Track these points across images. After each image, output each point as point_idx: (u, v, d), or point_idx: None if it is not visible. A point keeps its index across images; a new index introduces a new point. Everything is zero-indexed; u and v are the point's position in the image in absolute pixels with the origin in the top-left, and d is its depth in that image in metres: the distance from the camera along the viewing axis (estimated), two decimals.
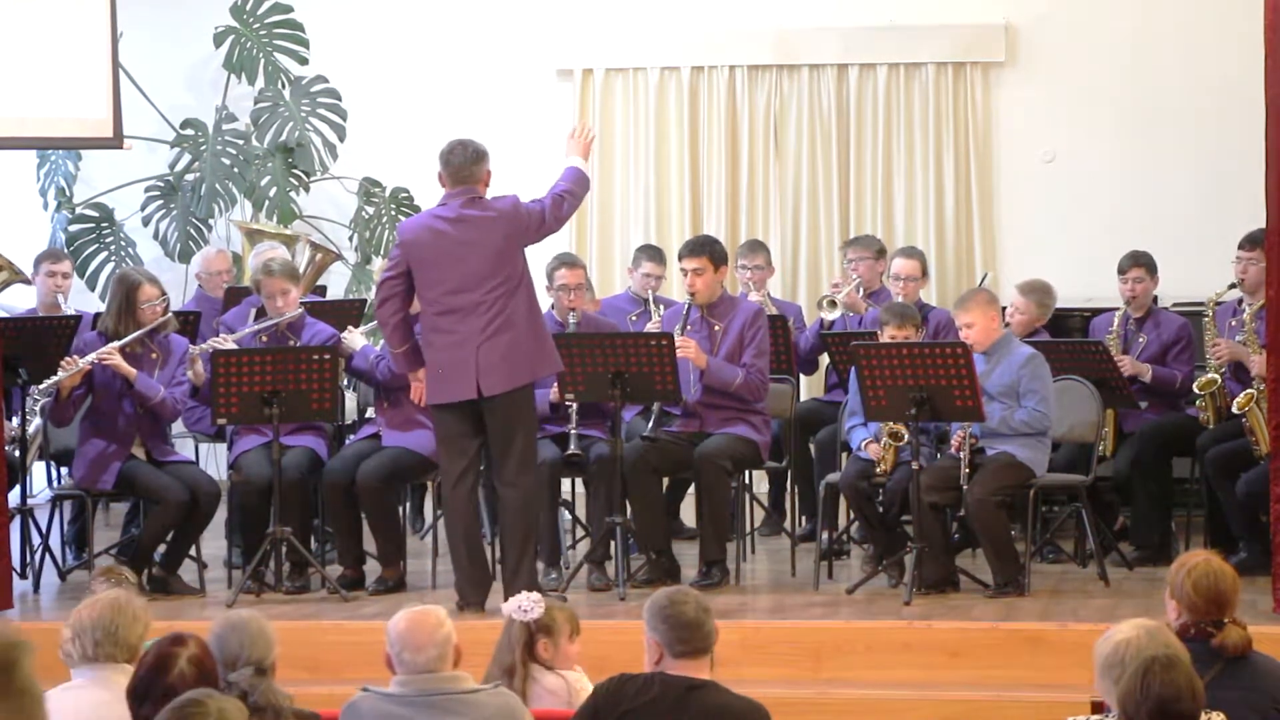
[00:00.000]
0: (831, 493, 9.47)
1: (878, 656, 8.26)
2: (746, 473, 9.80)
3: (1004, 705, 7.81)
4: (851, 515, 9.73)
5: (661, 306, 10.12)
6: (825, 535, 9.64)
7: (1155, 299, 10.32)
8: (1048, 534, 10.04)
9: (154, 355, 9.31)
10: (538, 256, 9.25)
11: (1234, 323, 9.74)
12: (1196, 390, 9.67)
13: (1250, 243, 9.61)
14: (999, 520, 8.98)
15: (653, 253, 10.67)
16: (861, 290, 10.57)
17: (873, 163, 12.55)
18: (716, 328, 9.37)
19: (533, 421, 8.81)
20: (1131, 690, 5.18)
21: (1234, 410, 9.29)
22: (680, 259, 9.59)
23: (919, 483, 8.86)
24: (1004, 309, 9.52)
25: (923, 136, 12.67)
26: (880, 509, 9.23)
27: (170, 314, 9.46)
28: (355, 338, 9.55)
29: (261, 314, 9.66)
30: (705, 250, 9.47)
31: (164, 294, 9.42)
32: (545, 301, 9.44)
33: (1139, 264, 10.09)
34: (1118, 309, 10.13)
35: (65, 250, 11.64)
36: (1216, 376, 9.58)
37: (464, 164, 8.66)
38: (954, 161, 12.64)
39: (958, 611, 8.65)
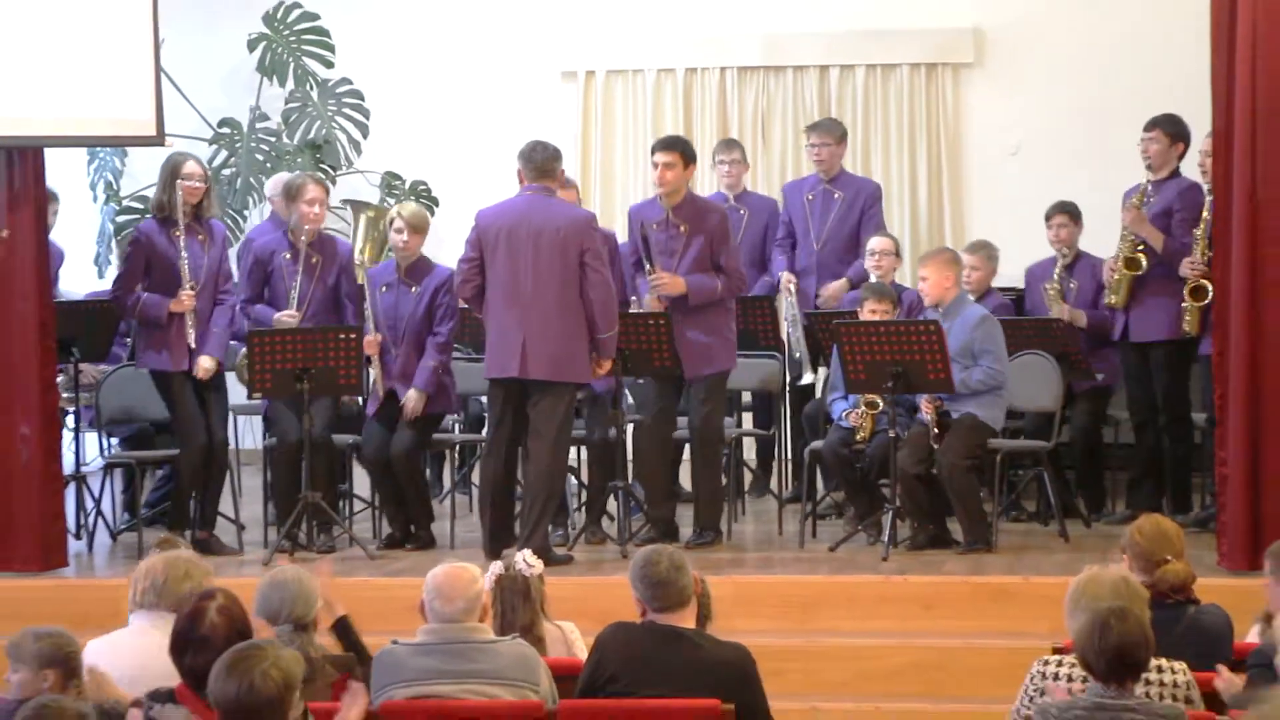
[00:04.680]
0: (815, 459, 9.52)
1: (858, 608, 8.30)
2: (738, 446, 9.85)
3: (973, 652, 7.85)
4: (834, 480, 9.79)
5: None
6: (813, 501, 9.67)
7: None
8: (1013, 495, 10.08)
9: (200, 237, 9.26)
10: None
11: (1135, 199, 9.63)
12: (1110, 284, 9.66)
13: (1152, 124, 9.67)
14: (970, 484, 9.03)
15: None
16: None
17: (852, 157, 12.49)
18: (682, 229, 9.21)
19: (568, 416, 8.83)
20: (1089, 640, 5.22)
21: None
22: (653, 153, 9.40)
23: (895, 448, 8.92)
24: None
25: (898, 132, 12.66)
26: (861, 473, 9.28)
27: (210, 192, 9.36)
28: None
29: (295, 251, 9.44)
30: (678, 146, 9.37)
31: (206, 173, 9.36)
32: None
33: (1063, 211, 10.12)
34: (1050, 258, 10.14)
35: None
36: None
37: (545, 160, 8.81)
38: (927, 155, 12.64)
39: (931, 566, 8.69)
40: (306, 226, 9.34)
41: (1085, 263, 10.03)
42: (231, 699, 4.63)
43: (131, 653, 5.72)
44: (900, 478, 8.94)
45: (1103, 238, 10.04)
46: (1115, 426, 10.13)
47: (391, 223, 9.36)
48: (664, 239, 9.20)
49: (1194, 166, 9.65)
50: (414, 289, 9.29)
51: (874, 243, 10.26)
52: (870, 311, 9.25)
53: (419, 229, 9.32)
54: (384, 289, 9.34)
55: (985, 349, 9.03)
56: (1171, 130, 9.65)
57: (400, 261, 9.35)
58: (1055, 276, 10.00)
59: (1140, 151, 9.71)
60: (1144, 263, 9.54)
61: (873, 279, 9.96)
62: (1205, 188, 9.32)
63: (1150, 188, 9.61)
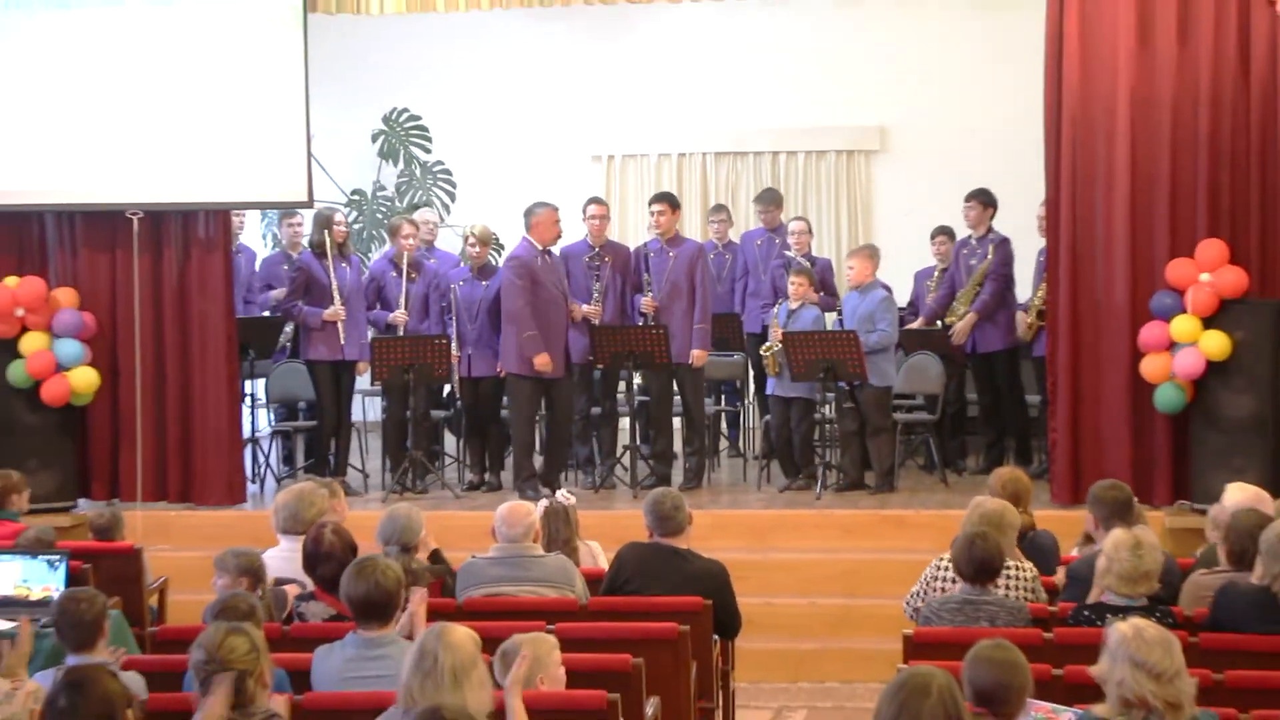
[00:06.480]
0: (769, 427, 9.53)
1: (799, 533, 8.33)
2: (716, 419, 9.85)
3: (880, 563, 7.90)
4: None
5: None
6: (769, 458, 9.67)
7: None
8: (909, 452, 10.10)
9: (344, 265, 9.36)
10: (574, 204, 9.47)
11: (966, 251, 9.77)
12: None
13: (970, 196, 9.72)
14: (890, 445, 9.03)
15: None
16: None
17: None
18: (671, 254, 9.36)
19: (518, 404, 8.95)
20: (961, 553, 5.28)
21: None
22: (650, 204, 9.62)
23: (824, 421, 8.93)
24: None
25: (828, 200, 12.66)
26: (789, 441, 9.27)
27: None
28: None
29: (397, 270, 9.55)
30: (666, 199, 9.56)
31: (347, 222, 9.62)
32: (581, 230, 9.49)
33: (943, 232, 10.21)
34: (933, 266, 10.22)
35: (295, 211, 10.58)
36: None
37: (527, 216, 9.10)
38: (848, 217, 12.63)
39: (850, 503, 8.71)
40: (405, 253, 9.53)
41: (954, 271, 10.07)
42: (363, 594, 4.64)
43: (283, 561, 5.79)
44: (842, 435, 8.96)
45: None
46: (977, 406, 10.13)
47: (467, 239, 9.58)
48: (658, 263, 9.30)
49: (1032, 228, 9.67)
50: (484, 283, 9.41)
51: (793, 225, 10.24)
52: (794, 284, 9.21)
53: (486, 242, 9.52)
54: (461, 283, 9.46)
55: (882, 317, 9.01)
56: (984, 199, 9.76)
57: (473, 265, 9.50)
58: (934, 277, 10.10)
59: (963, 216, 9.76)
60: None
61: (792, 249, 9.95)
62: (1011, 241, 9.59)
63: (975, 242, 9.73)
